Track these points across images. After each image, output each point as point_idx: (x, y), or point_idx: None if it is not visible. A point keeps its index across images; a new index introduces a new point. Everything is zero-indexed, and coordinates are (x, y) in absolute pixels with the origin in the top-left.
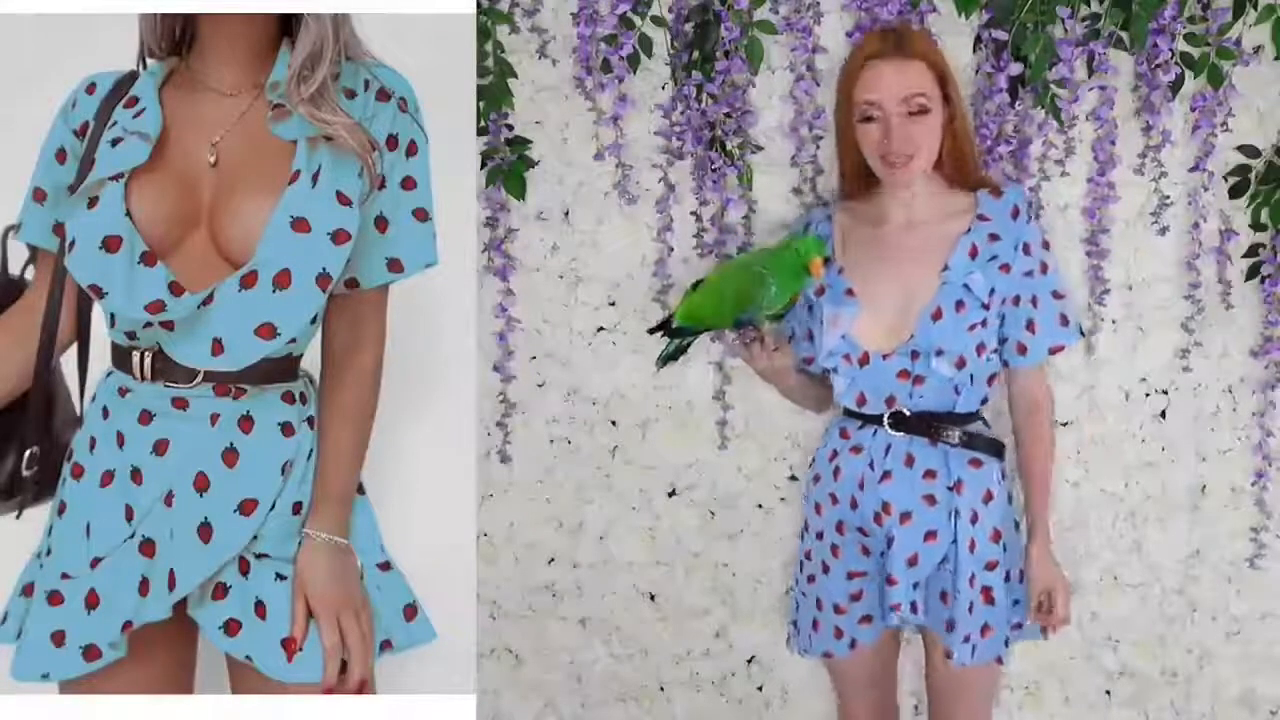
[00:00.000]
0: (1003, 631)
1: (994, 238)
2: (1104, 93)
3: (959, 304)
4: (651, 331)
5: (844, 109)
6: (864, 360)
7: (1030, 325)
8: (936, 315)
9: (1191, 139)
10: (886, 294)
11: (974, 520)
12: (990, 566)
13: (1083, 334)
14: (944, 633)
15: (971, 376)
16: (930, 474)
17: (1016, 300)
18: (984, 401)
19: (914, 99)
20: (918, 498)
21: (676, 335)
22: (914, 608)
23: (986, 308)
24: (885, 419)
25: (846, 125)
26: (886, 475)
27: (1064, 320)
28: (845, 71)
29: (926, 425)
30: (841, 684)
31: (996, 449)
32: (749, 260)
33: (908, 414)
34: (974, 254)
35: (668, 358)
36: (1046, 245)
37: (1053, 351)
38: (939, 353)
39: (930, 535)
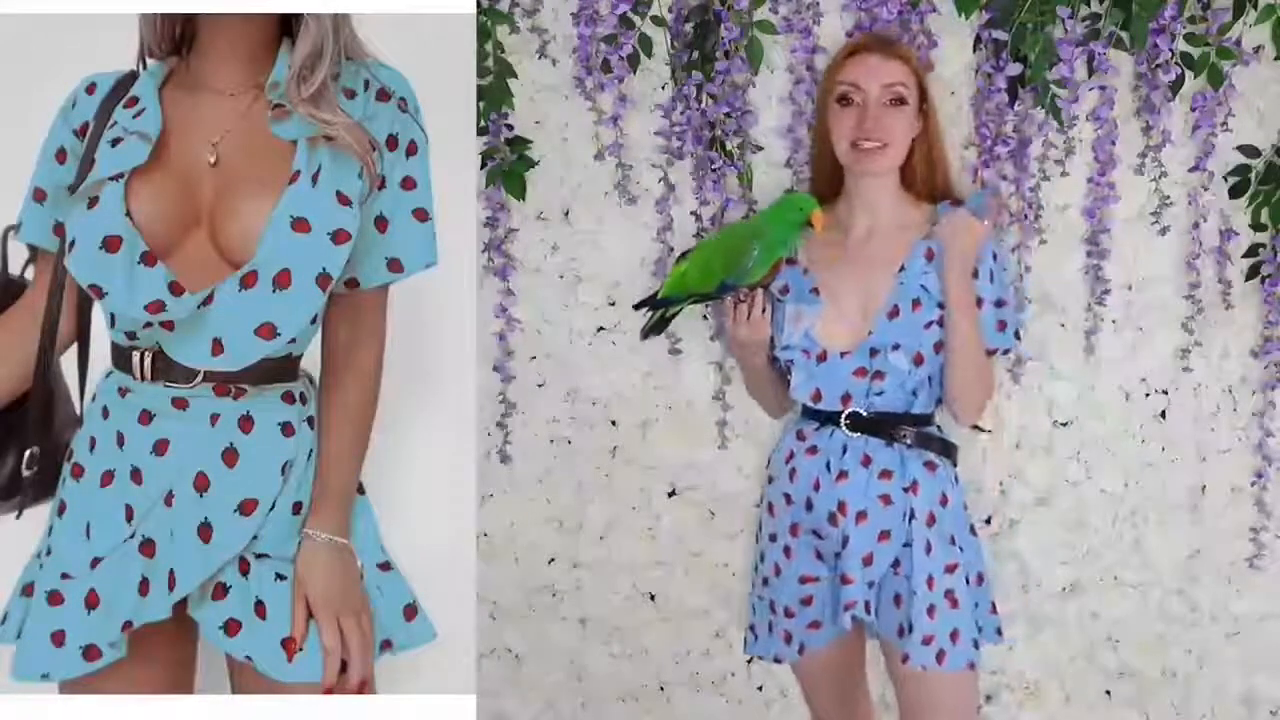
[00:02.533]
0: (969, 634)
1: None
2: (1104, 93)
3: (915, 302)
4: (637, 307)
5: (824, 100)
6: (822, 357)
7: None
8: (893, 313)
9: (1191, 139)
10: (847, 295)
11: (930, 522)
12: (950, 569)
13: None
14: (896, 638)
15: (930, 377)
16: (886, 474)
17: None
18: (939, 402)
19: (894, 87)
20: (874, 497)
21: (660, 307)
22: (867, 607)
23: (942, 306)
24: (842, 419)
25: (825, 118)
26: (843, 475)
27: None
28: (830, 64)
29: (883, 426)
30: (802, 685)
31: (949, 450)
32: (736, 228)
33: (865, 415)
34: (930, 257)
35: (649, 330)
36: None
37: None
38: (895, 347)
39: (884, 535)
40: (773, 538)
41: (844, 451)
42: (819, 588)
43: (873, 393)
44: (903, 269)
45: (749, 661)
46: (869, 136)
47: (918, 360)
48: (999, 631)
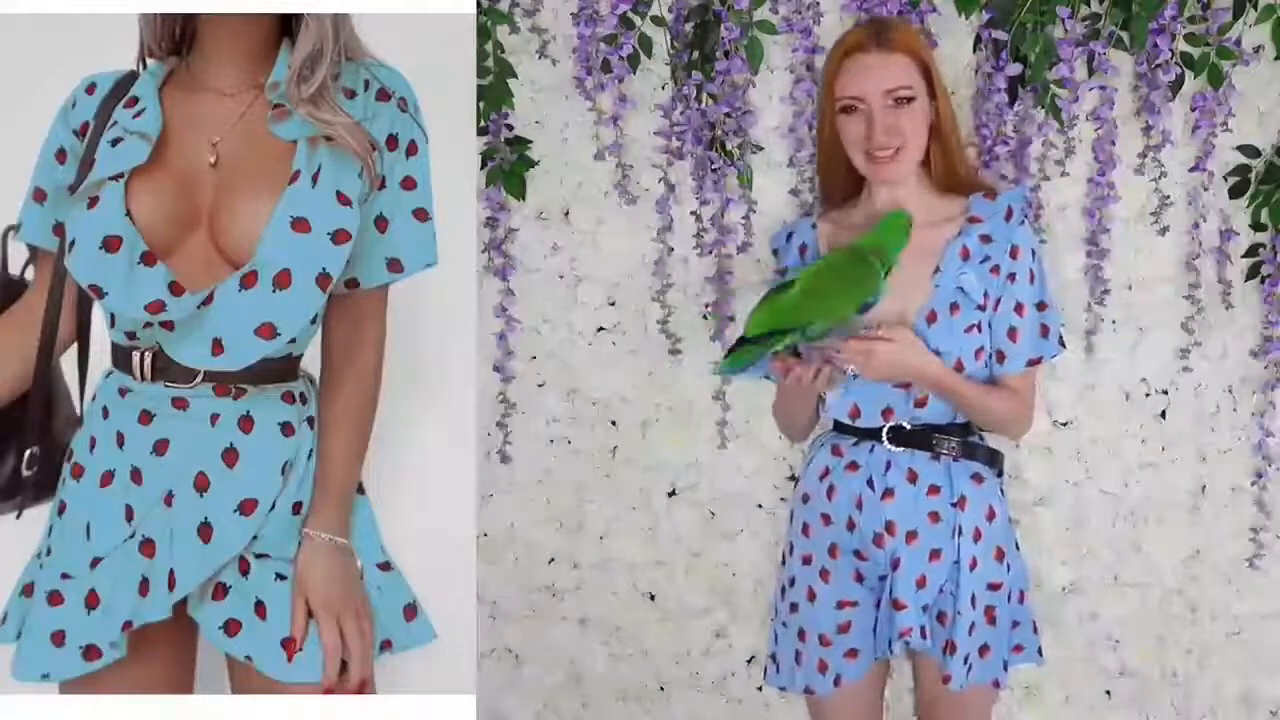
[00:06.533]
0: (1000, 653)
1: (986, 239)
2: (1104, 93)
3: (953, 306)
4: (729, 352)
5: (826, 107)
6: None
7: (1012, 334)
8: (931, 319)
9: (1191, 139)
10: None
11: (977, 538)
12: (994, 587)
13: (1063, 346)
14: (943, 657)
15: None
16: (934, 490)
17: (998, 305)
18: None
19: (897, 90)
20: (922, 515)
21: (755, 344)
22: (923, 633)
23: (982, 309)
24: (884, 433)
25: (829, 125)
26: (889, 493)
27: (1045, 331)
28: (826, 69)
29: (926, 437)
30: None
31: (995, 459)
32: (838, 256)
33: (907, 427)
34: (965, 256)
35: (737, 369)
36: (1035, 254)
37: (1031, 363)
38: (935, 355)
39: (935, 554)
40: (806, 560)
41: (887, 468)
42: (857, 613)
43: (915, 404)
44: (938, 270)
45: (749, 661)
46: (882, 146)
47: (958, 367)
48: (1040, 652)
